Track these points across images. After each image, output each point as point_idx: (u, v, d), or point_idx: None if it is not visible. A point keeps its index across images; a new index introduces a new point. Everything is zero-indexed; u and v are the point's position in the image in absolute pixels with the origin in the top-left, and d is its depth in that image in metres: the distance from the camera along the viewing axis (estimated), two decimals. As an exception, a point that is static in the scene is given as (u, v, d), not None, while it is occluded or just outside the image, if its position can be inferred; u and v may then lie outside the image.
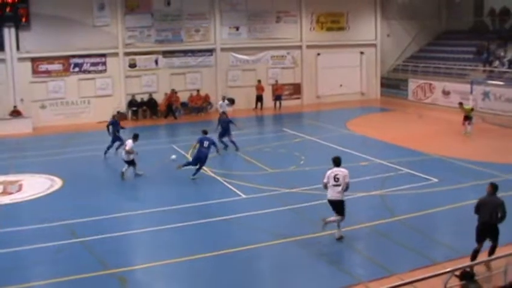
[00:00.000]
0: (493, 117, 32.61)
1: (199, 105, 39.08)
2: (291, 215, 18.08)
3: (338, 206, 15.77)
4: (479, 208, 13.85)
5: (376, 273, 13.83)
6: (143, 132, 32.88)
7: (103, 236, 16.29)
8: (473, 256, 13.48)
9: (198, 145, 22.45)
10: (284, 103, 40.61)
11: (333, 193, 15.74)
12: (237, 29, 40.98)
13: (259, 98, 40.07)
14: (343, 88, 44.03)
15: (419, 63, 45.06)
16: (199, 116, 37.65)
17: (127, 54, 37.72)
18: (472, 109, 30.48)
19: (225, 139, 27.10)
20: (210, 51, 40.19)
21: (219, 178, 22.22)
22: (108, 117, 29.53)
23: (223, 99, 35.02)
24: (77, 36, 36.02)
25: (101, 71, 37.17)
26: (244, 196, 19.94)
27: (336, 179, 15.73)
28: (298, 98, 43.09)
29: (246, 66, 41.32)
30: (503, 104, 33.79)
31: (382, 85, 46.73)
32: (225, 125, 27.04)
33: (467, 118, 29.94)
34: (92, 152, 27.49)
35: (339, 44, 44.17)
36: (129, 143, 22.84)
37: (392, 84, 46.13)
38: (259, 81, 40.48)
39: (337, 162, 16.29)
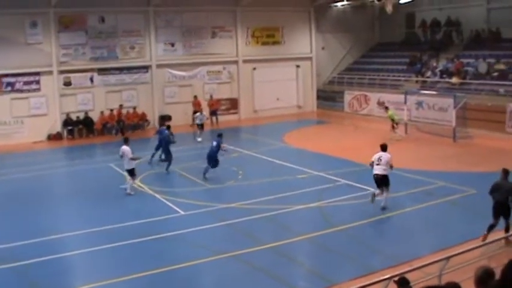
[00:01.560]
0: (427, 126, 33.32)
1: (135, 123, 38.69)
2: (229, 230, 18.03)
3: (382, 180, 19.42)
4: (494, 190, 16.00)
5: (317, 284, 13.99)
6: (79, 151, 32.81)
7: (35, 260, 15.64)
8: (489, 230, 15.59)
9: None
10: (221, 118, 40.50)
11: (378, 170, 19.43)
12: (173, 45, 40.84)
13: (195, 114, 39.84)
14: (279, 102, 44.40)
15: (355, 75, 45.87)
16: (135, 134, 37.18)
17: (61, 72, 37.01)
18: (393, 116, 32.37)
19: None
20: (146, 68, 39.93)
21: (157, 195, 22.00)
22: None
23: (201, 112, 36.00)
24: (9, 54, 35.13)
25: (34, 90, 36.32)
26: (182, 213, 19.78)
27: (379, 159, 19.50)
28: (236, 113, 43.22)
29: (182, 82, 41.19)
30: (436, 113, 34.58)
31: (319, 98, 47.31)
32: None
33: (393, 121, 32.10)
34: (25, 173, 26.90)
35: (275, 58, 44.57)
36: (126, 149, 22.42)
37: (329, 96, 46.76)
38: (195, 97, 40.36)
39: (383, 148, 20.11)
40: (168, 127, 28.14)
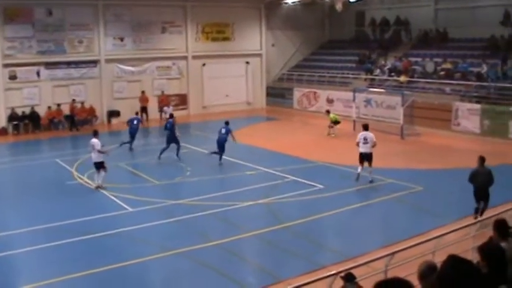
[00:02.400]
0: (375, 123, 33.67)
1: (83, 118, 38.10)
2: (177, 226, 17.95)
3: (369, 157, 22.38)
4: (473, 177, 17.28)
5: (265, 280, 14.03)
6: (25, 147, 32.19)
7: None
8: (476, 212, 17.06)
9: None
10: (171, 114, 40.19)
11: (365, 148, 22.43)
12: (122, 39, 40.32)
13: (143, 110, 39.54)
14: (229, 98, 44.30)
15: (304, 72, 46.06)
16: (84, 129, 36.59)
17: (6, 65, 36.11)
18: (336, 119, 33.37)
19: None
20: (95, 63, 39.28)
21: (105, 192, 21.67)
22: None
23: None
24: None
25: (-22, 84, 35.49)
26: (130, 209, 19.54)
27: (365, 139, 22.52)
28: (185, 109, 42.98)
29: (131, 77, 40.69)
30: (384, 111, 35.01)
31: (268, 94, 47.40)
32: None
33: (334, 123, 33.07)
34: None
35: (225, 54, 44.42)
36: (95, 142, 22.06)
37: (278, 93, 46.87)
38: (143, 92, 40.02)
39: (366, 127, 23.32)
40: (172, 116, 29.20)
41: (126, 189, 22.16)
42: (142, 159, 27.36)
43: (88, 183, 22.88)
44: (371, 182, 22.25)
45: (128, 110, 38.95)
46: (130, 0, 39.66)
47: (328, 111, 34.40)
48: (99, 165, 22.24)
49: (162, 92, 41.17)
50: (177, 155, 27.15)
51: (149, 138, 35.17)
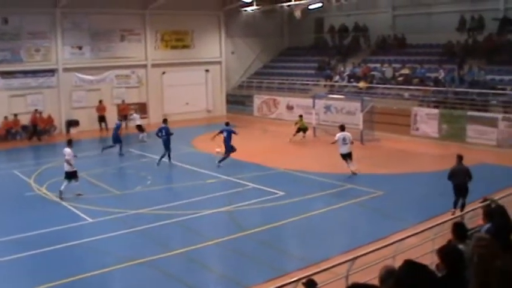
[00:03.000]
0: (335, 129, 33.78)
1: (42, 128, 37.51)
2: (139, 236, 17.72)
3: (350, 155, 24.68)
4: (452, 175, 18.04)
5: (228, 288, 13.97)
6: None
7: None
8: (454, 206, 17.96)
9: (222, 135, 27.14)
10: (130, 123, 39.69)
11: (345, 149, 24.61)
12: (80, 48, 39.85)
13: (101, 119, 39.19)
14: (189, 106, 44.11)
15: (264, 80, 46.21)
16: (43, 139, 36.11)
17: (-39, 75, 35.52)
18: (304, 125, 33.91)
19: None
20: (52, 72, 38.73)
21: (64, 203, 21.32)
22: None
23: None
24: None
25: None
26: (91, 220, 19.28)
27: (344, 139, 24.57)
28: (145, 117, 42.56)
29: (90, 86, 40.20)
30: (343, 117, 35.26)
31: (228, 102, 47.38)
32: None
33: (303, 130, 33.49)
34: None
35: (184, 62, 44.26)
36: (67, 151, 21.98)
37: (238, 100, 46.89)
38: (100, 101, 39.55)
39: (343, 128, 25.31)
40: (165, 120, 28.96)
41: (86, 199, 21.82)
42: (102, 169, 27.02)
43: (46, 194, 22.52)
44: (354, 174, 24.52)
45: (87, 119, 38.72)
46: (88, 8, 39.10)
47: (301, 116, 34.42)
48: (72, 175, 22.10)
49: (123, 100, 40.79)
50: (170, 159, 27.72)
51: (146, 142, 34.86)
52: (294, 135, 33.52)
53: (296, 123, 34.01)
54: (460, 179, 17.97)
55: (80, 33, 39.58)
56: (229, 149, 27.24)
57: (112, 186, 23.76)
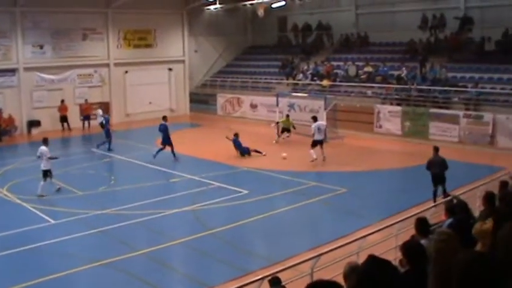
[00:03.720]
0: (299, 127, 33.91)
1: (2, 128, 36.84)
2: (102, 237, 17.54)
3: (322, 142, 27.25)
4: (429, 165, 19.17)
5: (192, 288, 13.89)
6: None
7: None
8: (434, 196, 18.87)
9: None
10: (93, 122, 39.18)
11: (319, 136, 27.18)
12: (41, 47, 39.25)
13: (63, 119, 38.70)
14: (152, 105, 43.71)
15: (227, 78, 46.11)
16: (3, 140, 35.50)
17: None
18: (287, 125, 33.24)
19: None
20: (13, 71, 38.06)
21: (25, 204, 20.99)
22: None
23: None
24: None
25: None
26: (53, 221, 18.99)
27: (319, 129, 27.23)
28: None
29: (52, 86, 39.63)
30: (307, 115, 35.31)
31: (192, 101, 47.20)
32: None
33: (286, 130, 32.94)
34: None
35: (147, 61, 43.97)
36: (45, 149, 22.23)
37: (202, 99, 46.71)
38: (62, 101, 38.99)
39: (315, 118, 28.28)
40: (164, 117, 29.60)
41: (48, 201, 21.53)
42: (64, 170, 26.65)
43: (7, 196, 22.17)
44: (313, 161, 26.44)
45: (49, 119, 38.18)
46: (49, 7, 38.43)
47: (288, 116, 33.88)
48: (47, 173, 22.22)
49: (86, 100, 40.27)
50: (174, 154, 28.41)
51: (71, 147, 34.43)
52: (280, 135, 33.22)
53: (277, 123, 33.72)
54: (437, 169, 19.01)
55: (40, 32, 38.96)
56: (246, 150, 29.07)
57: (74, 186, 23.41)
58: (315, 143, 27.02)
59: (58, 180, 24.16)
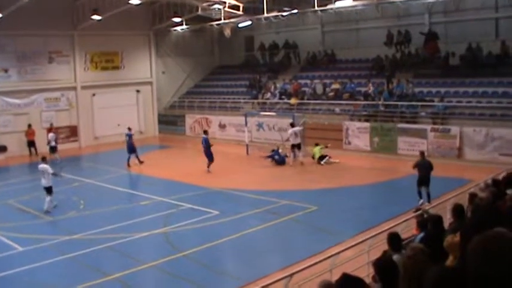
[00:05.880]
0: (268, 146, 33.94)
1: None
2: (72, 263, 17.21)
3: (299, 146, 30.44)
4: (417, 167, 21.02)
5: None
6: None
7: None
8: (419, 194, 20.82)
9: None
10: (60, 147, 38.31)
11: (297, 140, 30.27)
12: (6, 71, 38.74)
13: (31, 144, 38.15)
14: (121, 128, 43.28)
15: (195, 99, 46.06)
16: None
17: None
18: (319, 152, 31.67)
19: None
20: (-23, 96, 37.65)
21: (-9, 231, 20.67)
22: None
23: None
24: None
25: None
26: (20, 248, 18.60)
27: (295, 134, 30.25)
28: (76, 141, 41.87)
29: (18, 110, 39.13)
30: (276, 134, 35.41)
31: (160, 122, 47.07)
32: None
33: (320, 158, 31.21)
34: None
35: (115, 83, 43.74)
36: (46, 167, 22.75)
37: (170, 120, 46.61)
38: (29, 125, 38.51)
39: (292, 125, 30.90)
40: (205, 132, 31.44)
41: (15, 227, 21.13)
42: (32, 195, 26.23)
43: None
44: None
45: (16, 144, 37.62)
46: (14, 30, 37.77)
47: (317, 144, 31.71)
48: (50, 190, 22.63)
49: (51, 124, 39.74)
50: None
51: (38, 173, 33.96)
52: (319, 162, 31.09)
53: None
54: (423, 171, 20.81)
55: (5, 55, 38.47)
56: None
57: (43, 212, 23.05)
58: (293, 146, 30.38)
59: (25, 206, 23.89)
